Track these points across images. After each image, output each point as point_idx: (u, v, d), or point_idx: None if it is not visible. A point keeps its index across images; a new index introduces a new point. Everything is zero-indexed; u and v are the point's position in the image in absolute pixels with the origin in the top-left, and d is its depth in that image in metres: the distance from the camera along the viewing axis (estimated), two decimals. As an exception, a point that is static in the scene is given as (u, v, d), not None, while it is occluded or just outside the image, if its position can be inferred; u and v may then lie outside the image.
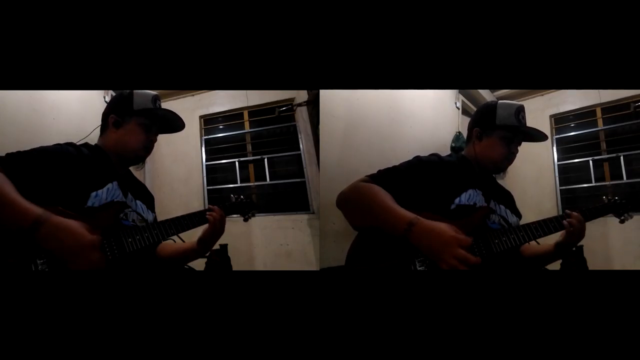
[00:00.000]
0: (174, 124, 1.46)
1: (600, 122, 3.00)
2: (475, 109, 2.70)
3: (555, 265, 1.48)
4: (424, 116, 2.59)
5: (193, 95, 3.26)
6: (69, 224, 1.19)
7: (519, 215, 1.52)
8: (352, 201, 1.41)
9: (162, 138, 1.47)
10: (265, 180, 3.13)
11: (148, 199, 1.48)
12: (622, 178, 2.84)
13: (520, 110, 1.46)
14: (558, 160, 3.16)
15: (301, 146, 3.00)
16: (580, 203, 3.01)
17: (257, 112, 3.19)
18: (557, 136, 3.20)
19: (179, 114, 1.45)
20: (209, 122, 3.34)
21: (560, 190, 3.11)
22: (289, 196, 3.03)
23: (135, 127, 1.38)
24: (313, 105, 2.44)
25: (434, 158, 1.49)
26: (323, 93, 1.95)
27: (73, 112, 2.49)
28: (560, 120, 3.21)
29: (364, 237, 1.39)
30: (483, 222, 1.37)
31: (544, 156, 3.16)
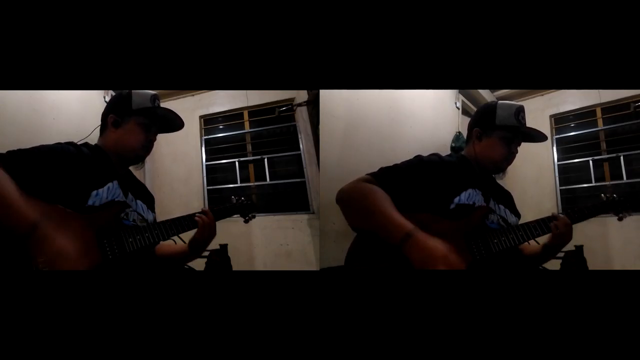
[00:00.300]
0: (173, 123, 1.46)
1: (600, 122, 3.00)
2: (475, 109, 2.71)
3: (555, 265, 1.48)
4: (424, 116, 2.59)
5: (193, 95, 3.26)
6: (65, 233, 1.18)
7: (518, 215, 1.52)
8: (351, 201, 1.41)
9: (161, 138, 1.47)
10: (265, 180, 3.13)
11: (148, 199, 1.48)
12: (622, 178, 2.84)
13: (520, 110, 1.46)
14: (558, 160, 3.16)
15: (301, 146, 3.00)
16: (580, 203, 3.01)
17: (257, 112, 3.20)
18: (557, 136, 3.20)
19: (178, 113, 1.45)
20: (209, 122, 3.34)
21: (560, 190, 3.12)
22: (289, 196, 3.03)
23: (135, 127, 1.38)
24: (313, 105, 2.44)
25: (435, 158, 1.49)
26: (323, 93, 1.95)
27: (73, 112, 2.50)
28: (560, 120, 3.21)
29: (364, 238, 1.39)
30: (482, 222, 1.38)
31: (544, 156, 3.16)
